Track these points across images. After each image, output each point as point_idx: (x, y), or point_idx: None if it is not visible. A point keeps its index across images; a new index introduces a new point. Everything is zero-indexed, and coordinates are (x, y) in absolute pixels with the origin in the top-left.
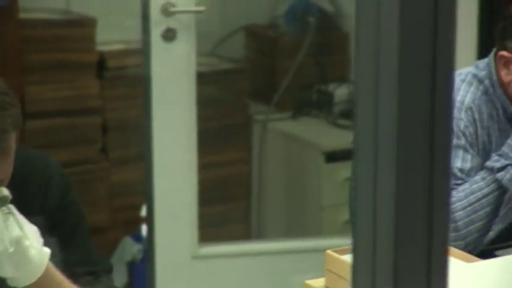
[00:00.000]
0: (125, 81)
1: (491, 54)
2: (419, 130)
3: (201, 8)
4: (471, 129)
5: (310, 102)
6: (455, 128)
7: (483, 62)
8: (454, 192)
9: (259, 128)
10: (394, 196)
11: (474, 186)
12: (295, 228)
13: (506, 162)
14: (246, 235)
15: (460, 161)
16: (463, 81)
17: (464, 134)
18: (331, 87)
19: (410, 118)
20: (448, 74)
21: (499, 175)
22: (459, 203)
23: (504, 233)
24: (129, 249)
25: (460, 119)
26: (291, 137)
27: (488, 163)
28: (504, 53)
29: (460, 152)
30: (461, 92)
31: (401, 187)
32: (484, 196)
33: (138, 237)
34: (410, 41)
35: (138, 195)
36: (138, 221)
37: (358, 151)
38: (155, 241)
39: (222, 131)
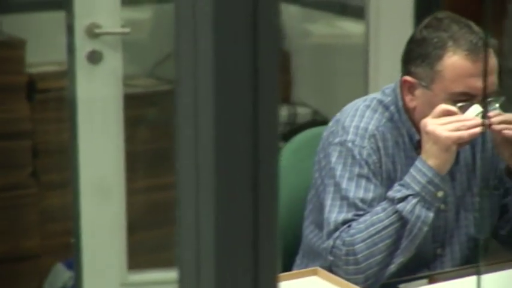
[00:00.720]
0: (56, 104)
1: (398, 79)
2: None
3: (127, 30)
4: (374, 158)
5: None
6: (357, 157)
7: (390, 88)
8: (354, 224)
9: None
10: (215, 227)
11: (374, 217)
12: None
13: (408, 192)
14: None
15: (363, 190)
16: (367, 107)
17: (367, 163)
18: None
19: (231, 130)
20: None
21: (400, 206)
22: (359, 235)
23: (406, 266)
24: (61, 276)
25: (363, 147)
26: None
27: (390, 193)
28: (408, 77)
29: (363, 182)
30: (365, 119)
31: (223, 222)
32: (384, 228)
33: (70, 264)
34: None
35: (71, 221)
36: (70, 247)
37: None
38: (83, 268)
39: (160, 153)
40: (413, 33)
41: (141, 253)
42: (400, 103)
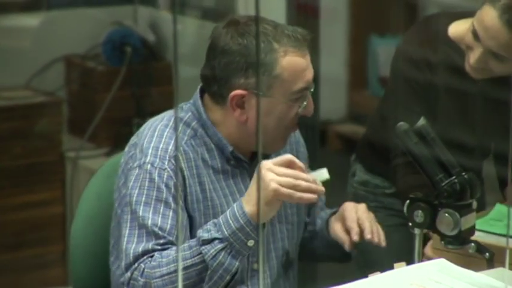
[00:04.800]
0: None
1: (196, 94)
2: None
3: None
4: (176, 180)
5: (128, 137)
6: (157, 180)
7: (188, 104)
8: (157, 255)
9: (70, 165)
10: None
11: (180, 253)
12: None
13: (216, 235)
14: (62, 281)
15: (160, 217)
16: (166, 126)
17: (167, 186)
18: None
19: None
20: None
21: (204, 248)
22: (158, 270)
23: None
24: None
25: (164, 169)
26: None
27: (199, 231)
28: (238, 91)
29: (161, 207)
30: (164, 139)
31: None
32: (186, 268)
33: None
34: None
35: None
36: None
37: None
38: None
39: (34, 168)
40: (223, 45)
41: (28, 271)
42: (204, 116)
